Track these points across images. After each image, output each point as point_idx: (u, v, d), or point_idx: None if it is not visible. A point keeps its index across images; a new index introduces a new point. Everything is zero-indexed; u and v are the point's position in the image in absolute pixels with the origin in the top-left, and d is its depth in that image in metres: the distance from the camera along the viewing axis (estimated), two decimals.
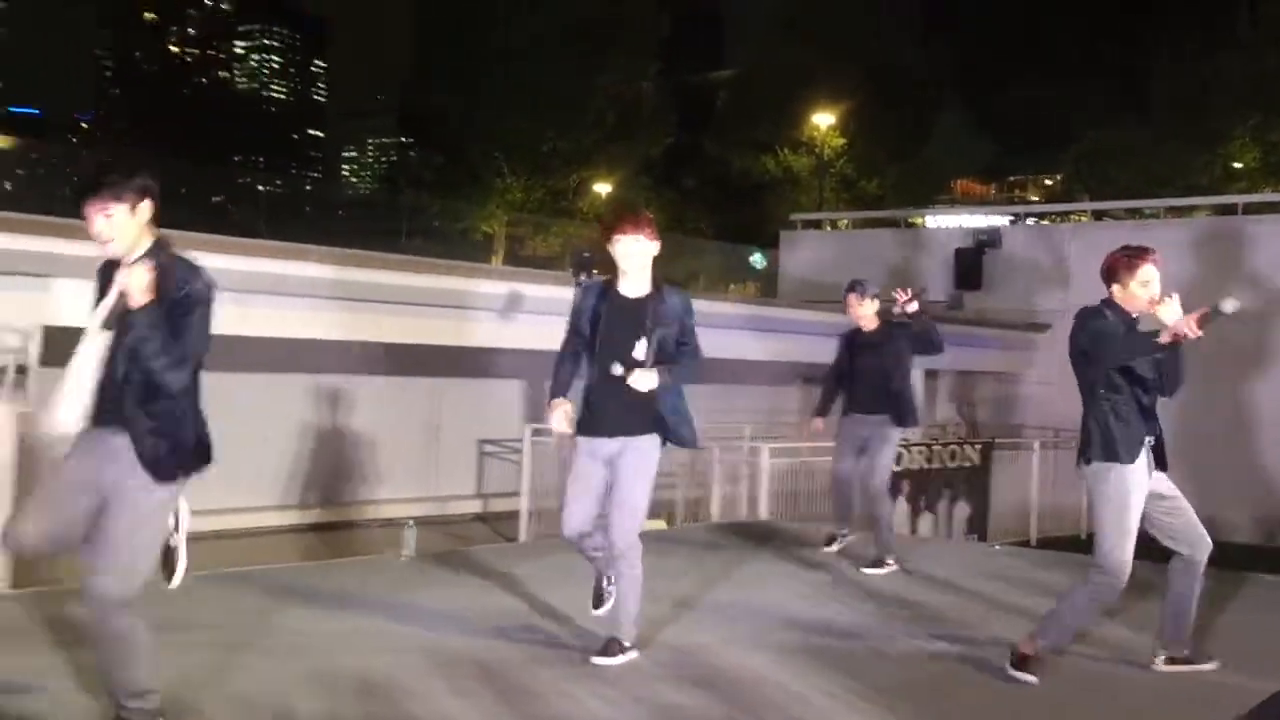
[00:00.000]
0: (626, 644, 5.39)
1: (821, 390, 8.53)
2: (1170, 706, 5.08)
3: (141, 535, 3.96)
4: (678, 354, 5.38)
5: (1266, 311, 16.17)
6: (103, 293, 4.03)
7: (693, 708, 4.87)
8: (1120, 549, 5.05)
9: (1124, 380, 5.14)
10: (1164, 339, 4.87)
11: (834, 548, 8.34)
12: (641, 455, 5.35)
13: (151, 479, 3.93)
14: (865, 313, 8.10)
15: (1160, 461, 5.25)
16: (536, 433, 12.19)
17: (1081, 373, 5.25)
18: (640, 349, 5.28)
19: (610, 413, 5.31)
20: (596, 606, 5.57)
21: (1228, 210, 21.46)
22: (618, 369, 5.25)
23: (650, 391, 5.26)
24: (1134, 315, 5.15)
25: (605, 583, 5.54)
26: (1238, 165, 30.32)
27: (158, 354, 3.88)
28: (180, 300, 3.94)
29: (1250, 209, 20.56)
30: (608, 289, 5.43)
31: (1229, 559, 6.43)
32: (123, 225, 3.98)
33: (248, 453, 12.32)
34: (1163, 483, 5.26)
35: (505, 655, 5.46)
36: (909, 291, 8.00)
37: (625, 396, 5.25)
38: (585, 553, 5.53)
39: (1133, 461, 5.10)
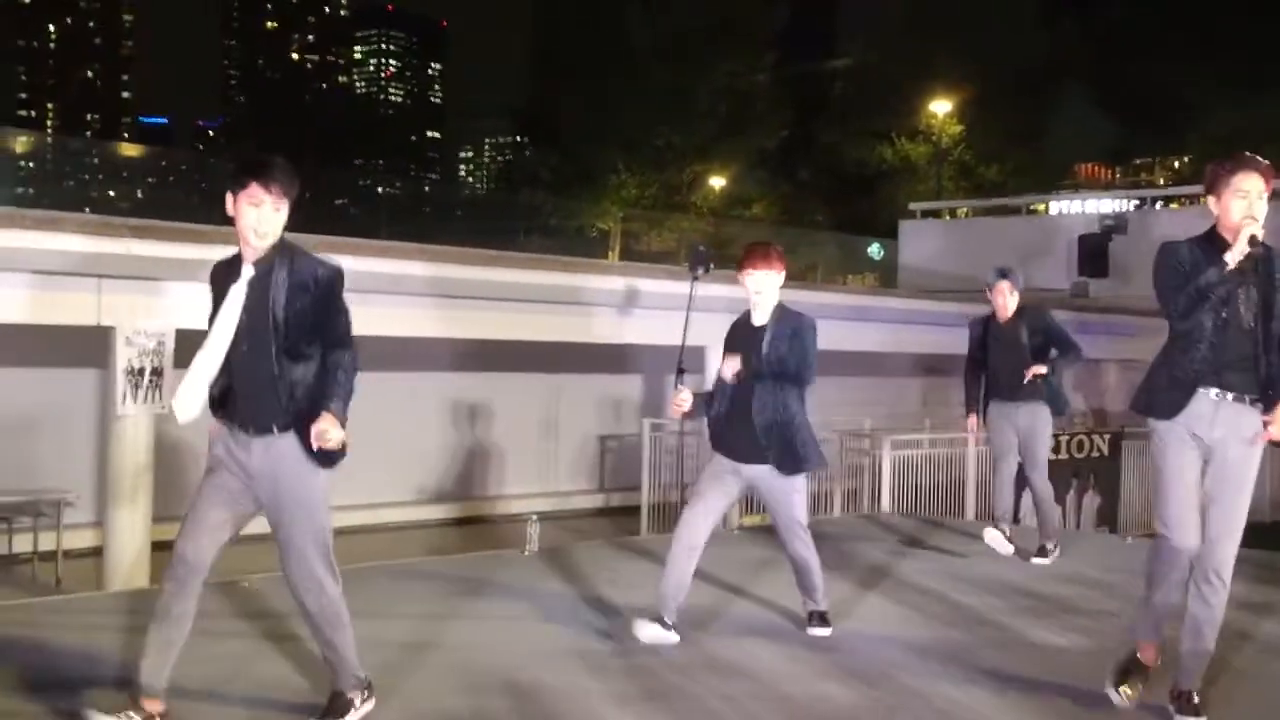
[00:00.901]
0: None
1: (966, 383, 8.10)
2: None
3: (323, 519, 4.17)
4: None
5: None
6: (222, 294, 4.07)
7: (838, 700, 4.87)
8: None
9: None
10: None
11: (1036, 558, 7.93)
12: None
13: (319, 466, 4.07)
14: (1014, 303, 7.92)
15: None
16: (655, 427, 12.23)
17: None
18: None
19: None
20: None
21: None
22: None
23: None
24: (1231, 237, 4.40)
25: None
26: None
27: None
28: (323, 293, 4.05)
29: None
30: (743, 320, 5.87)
31: None
32: (279, 224, 4.06)
33: (376, 450, 12.65)
34: None
35: (641, 653, 5.47)
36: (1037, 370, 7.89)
37: None
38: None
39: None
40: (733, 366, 5.63)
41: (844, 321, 14.71)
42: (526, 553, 7.80)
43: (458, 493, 13.49)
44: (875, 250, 35.57)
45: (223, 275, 4.11)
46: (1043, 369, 7.79)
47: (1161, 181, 49.01)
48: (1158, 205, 24.56)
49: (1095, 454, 13.54)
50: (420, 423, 13.15)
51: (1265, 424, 4.45)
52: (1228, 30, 40.18)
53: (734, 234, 35.37)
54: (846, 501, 12.61)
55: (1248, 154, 4.55)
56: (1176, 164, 46.74)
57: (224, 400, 4.09)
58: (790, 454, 5.63)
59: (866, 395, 16.96)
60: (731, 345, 5.73)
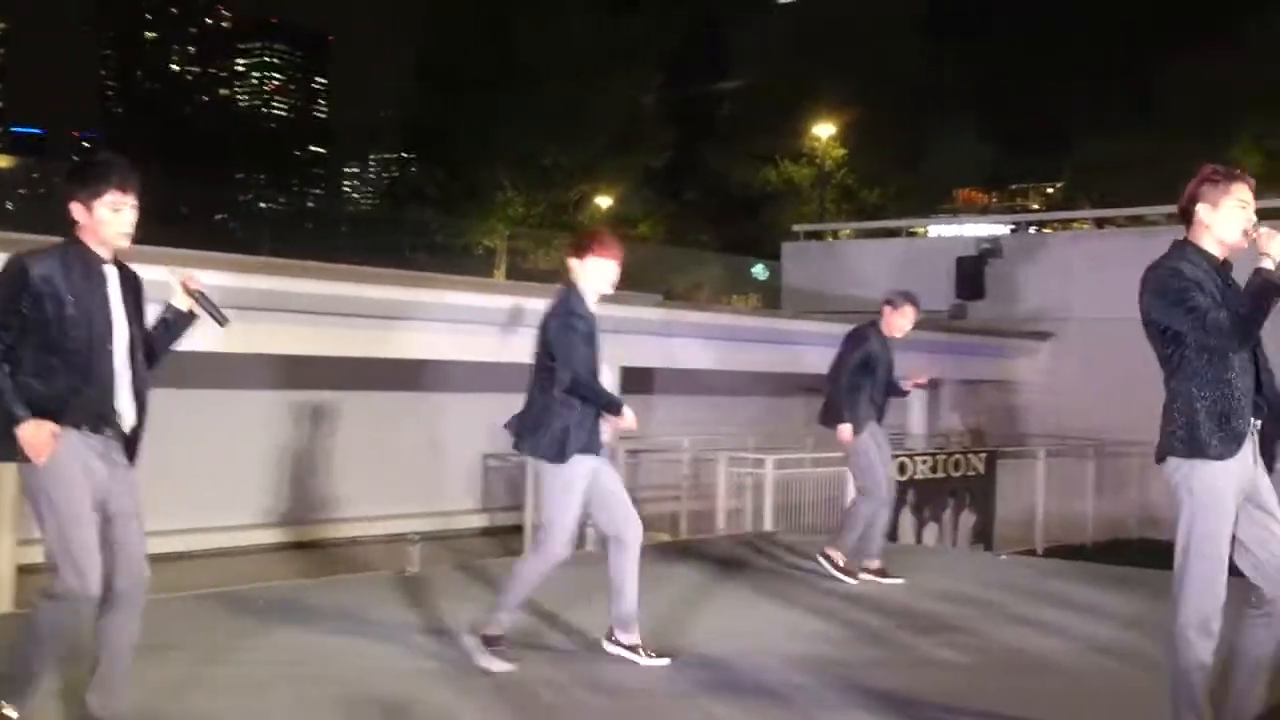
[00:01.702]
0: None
1: (852, 396, 7.85)
2: None
3: None
4: None
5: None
6: (68, 293, 3.96)
7: (719, 717, 4.87)
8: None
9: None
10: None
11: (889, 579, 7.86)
12: None
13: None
14: (908, 328, 8.01)
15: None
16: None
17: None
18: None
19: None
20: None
21: None
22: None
23: None
24: (1222, 254, 4.26)
25: None
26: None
27: None
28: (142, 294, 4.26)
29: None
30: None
31: None
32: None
33: (244, 470, 12.41)
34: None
35: (522, 670, 5.41)
36: (924, 379, 7.99)
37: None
38: None
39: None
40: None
41: (728, 342, 14.85)
42: (407, 573, 7.70)
43: (337, 514, 13.27)
44: (759, 271, 35.89)
45: (62, 274, 3.96)
46: (924, 380, 7.92)
47: (1036, 206, 50.38)
48: (1032, 230, 25.17)
49: (971, 473, 13.80)
50: (296, 442, 12.94)
51: None
52: (1102, 62, 41.53)
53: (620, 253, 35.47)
54: (730, 521, 12.68)
55: (1225, 166, 4.38)
56: (1050, 190, 48.02)
57: (73, 402, 3.98)
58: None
59: (750, 415, 17.12)
60: (591, 343, 5.53)
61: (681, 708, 5.01)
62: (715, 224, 44.28)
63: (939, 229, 27.03)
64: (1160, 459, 4.29)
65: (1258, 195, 4.37)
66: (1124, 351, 18.98)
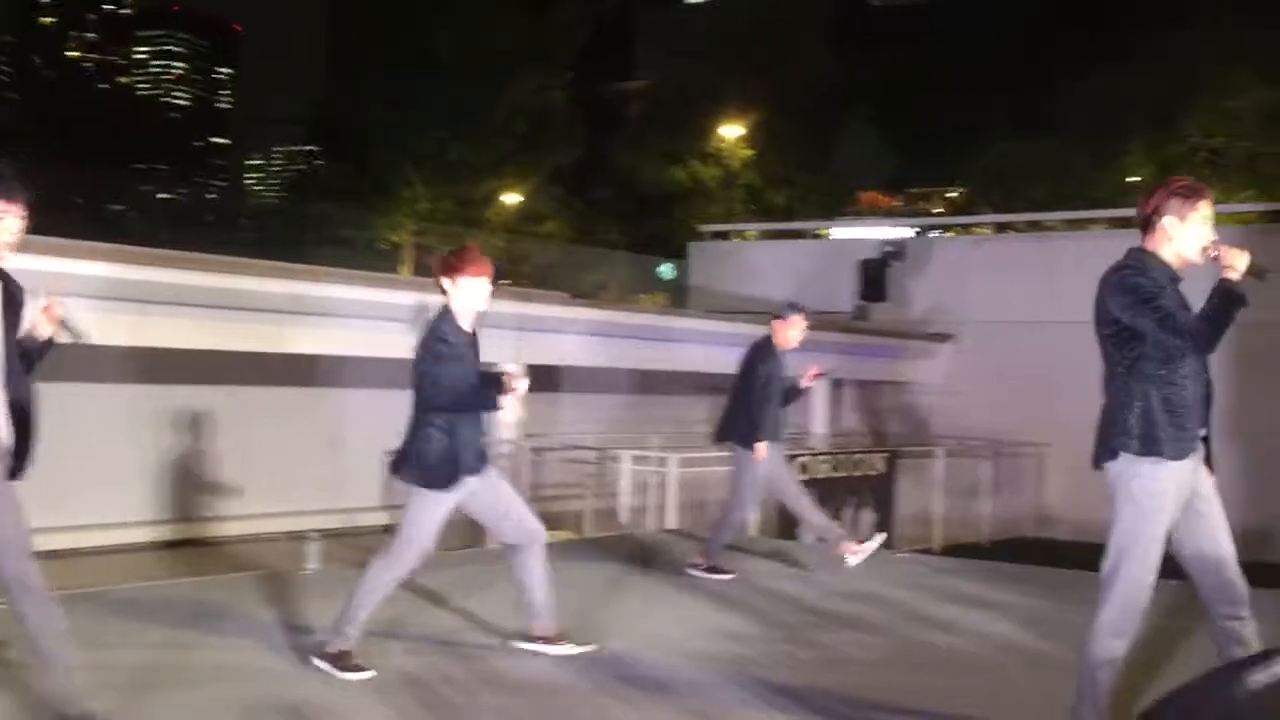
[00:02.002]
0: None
1: (760, 409, 7.85)
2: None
3: None
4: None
5: None
6: None
7: (618, 714, 4.89)
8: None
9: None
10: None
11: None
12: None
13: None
14: (799, 338, 8.07)
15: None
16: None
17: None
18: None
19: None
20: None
21: (1124, 223, 21.97)
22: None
23: None
24: (1177, 266, 4.34)
25: None
26: (1134, 179, 31.07)
27: None
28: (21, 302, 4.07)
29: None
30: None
31: None
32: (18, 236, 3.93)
33: (141, 466, 12.16)
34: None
35: (426, 668, 5.38)
36: (816, 371, 8.06)
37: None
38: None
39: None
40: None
41: (634, 340, 14.88)
42: (305, 572, 7.60)
43: (237, 511, 13.05)
44: (666, 270, 35.98)
45: None
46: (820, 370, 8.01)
47: (939, 210, 51.13)
48: (935, 233, 25.57)
49: (871, 472, 13.98)
50: (196, 437, 12.71)
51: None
52: (1004, 72, 42.33)
53: (527, 251, 35.39)
54: (633, 517, 12.70)
55: (1193, 179, 4.42)
56: (953, 194, 48.78)
57: None
58: None
59: (654, 413, 17.17)
60: (468, 358, 5.43)
61: (584, 704, 5.02)
62: (623, 223, 44.31)
63: (843, 231, 27.33)
64: (1105, 459, 4.33)
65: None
66: (1022, 354, 19.51)
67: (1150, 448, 4.21)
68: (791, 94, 37.99)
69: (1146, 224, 4.38)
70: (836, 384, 18.27)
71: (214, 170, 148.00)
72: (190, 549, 12.22)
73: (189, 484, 12.65)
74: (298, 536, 9.24)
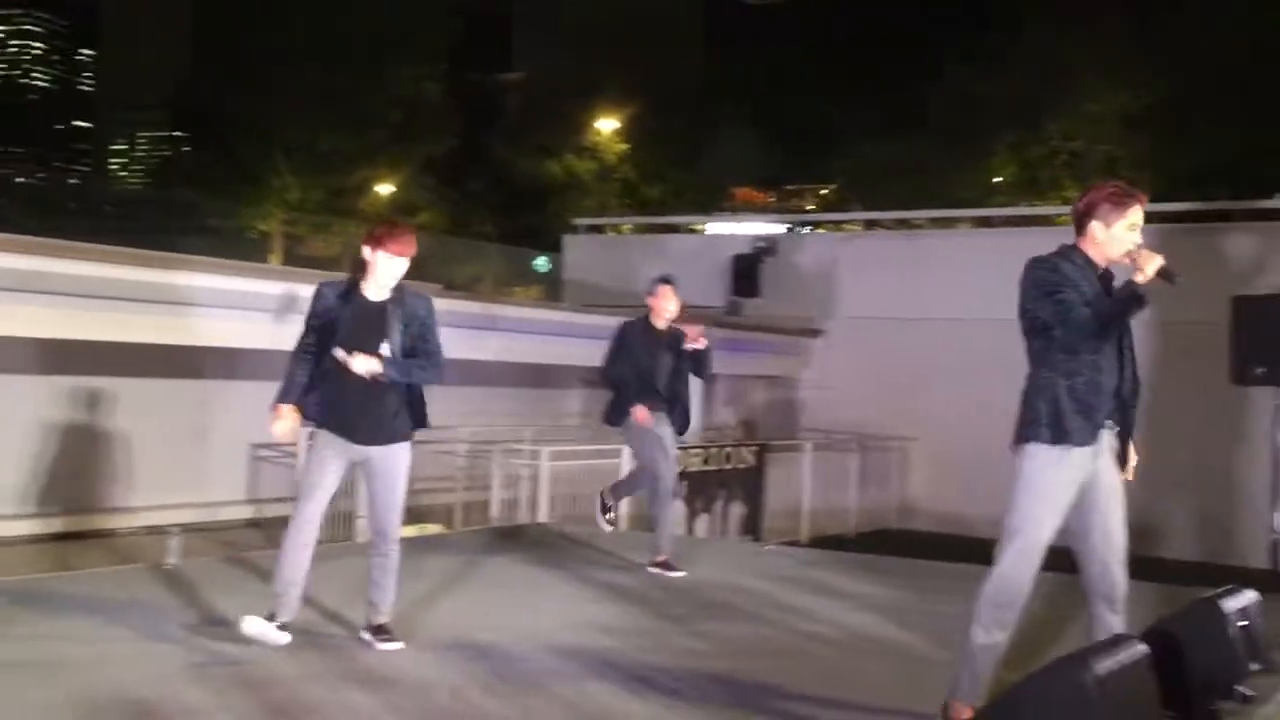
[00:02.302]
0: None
1: (630, 384, 7.92)
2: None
3: None
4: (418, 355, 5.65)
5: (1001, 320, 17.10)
6: None
7: (487, 708, 4.88)
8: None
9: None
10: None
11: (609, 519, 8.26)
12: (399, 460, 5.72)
13: None
14: (673, 309, 8.08)
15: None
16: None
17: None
18: (384, 350, 5.52)
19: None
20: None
21: (988, 222, 22.55)
22: (339, 354, 5.45)
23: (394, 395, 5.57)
24: (1102, 265, 4.56)
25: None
26: (998, 180, 31.88)
27: None
28: None
29: (1009, 221, 21.66)
30: (350, 291, 5.56)
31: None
32: None
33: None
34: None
35: (283, 665, 5.31)
36: (698, 331, 8.10)
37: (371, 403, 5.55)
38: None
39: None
40: (368, 364, 5.48)
41: (508, 333, 14.84)
42: (165, 566, 7.44)
43: (96, 504, 12.71)
44: (541, 263, 35.90)
45: None
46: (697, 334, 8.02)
47: (811, 207, 51.88)
48: (806, 229, 25.93)
49: (742, 465, 14.14)
50: (54, 429, 12.34)
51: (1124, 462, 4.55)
52: (874, 72, 43.10)
53: None
54: (504, 511, 12.67)
55: (1126, 184, 4.60)
56: (824, 191, 49.53)
57: None
58: (417, 414, 5.72)
59: (527, 406, 17.14)
60: (351, 323, 5.51)
61: (455, 699, 4.99)
62: (498, 215, 44.09)
63: (717, 226, 27.56)
64: (1019, 444, 4.47)
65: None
66: (888, 349, 19.89)
67: (1057, 435, 4.38)
68: (667, 90, 38.18)
69: (1079, 223, 4.58)
70: (709, 378, 18.42)
71: (76, 155, 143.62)
72: (49, 544, 11.86)
73: (46, 478, 12.28)
74: (158, 531, 9.05)
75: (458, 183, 41.97)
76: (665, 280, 8.08)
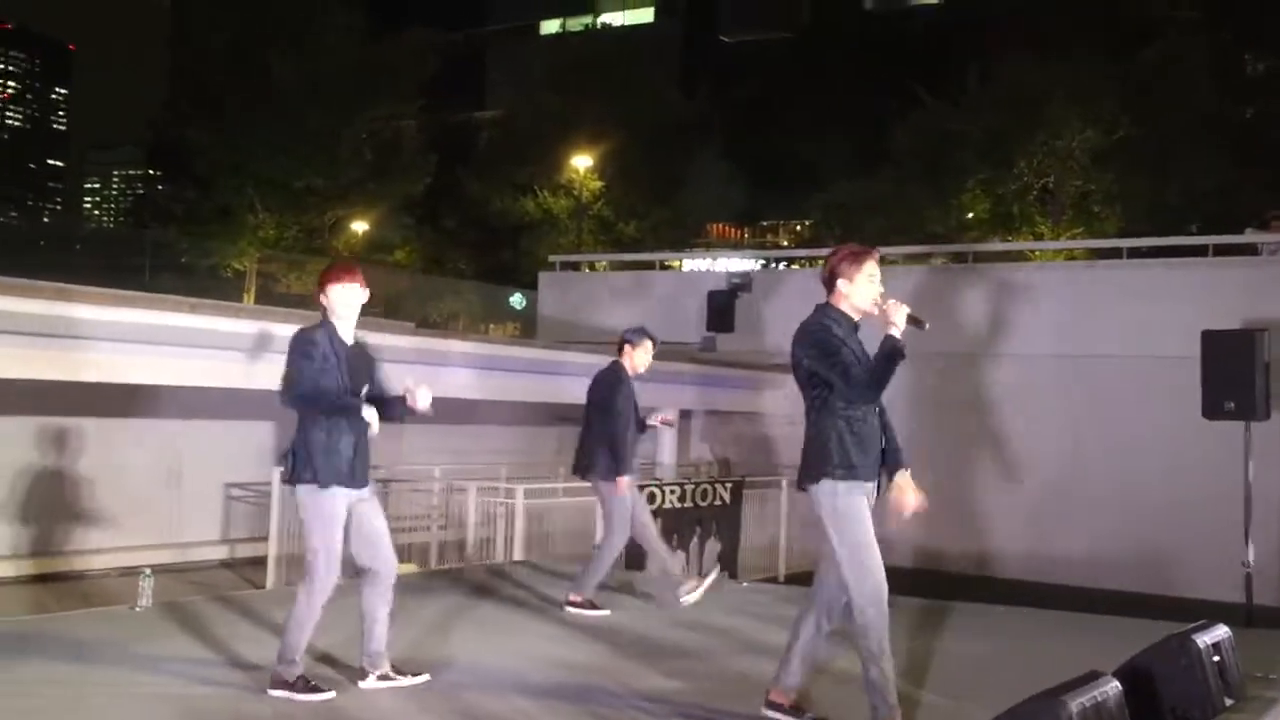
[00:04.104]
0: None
1: (620, 441, 7.79)
2: None
3: None
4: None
5: (978, 354, 17.22)
6: None
7: None
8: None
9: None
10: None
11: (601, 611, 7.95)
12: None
13: None
14: (648, 362, 8.09)
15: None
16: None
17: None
18: (364, 392, 5.58)
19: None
20: None
21: (961, 258, 22.67)
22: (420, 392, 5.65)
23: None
24: (856, 318, 5.10)
25: None
26: (970, 215, 32.08)
27: None
28: None
29: (980, 257, 21.80)
30: (331, 336, 5.56)
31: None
32: None
33: None
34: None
35: (259, 706, 5.26)
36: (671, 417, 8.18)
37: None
38: None
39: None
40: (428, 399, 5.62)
41: (483, 370, 14.79)
42: (137, 609, 7.36)
43: (66, 546, 12.58)
44: (517, 300, 35.97)
45: None
46: (672, 417, 8.02)
47: (785, 243, 52.14)
48: (781, 265, 26.03)
49: (718, 502, 14.10)
50: (22, 471, 12.23)
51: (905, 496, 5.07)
52: (846, 109, 43.46)
53: (376, 279, 34.84)
54: (480, 550, 12.61)
55: (859, 245, 5.18)
56: (799, 227, 49.78)
57: None
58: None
59: (503, 444, 17.09)
60: (347, 366, 5.53)
61: None
62: (473, 252, 44.16)
63: (692, 263, 27.64)
64: (809, 483, 4.98)
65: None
66: None
67: (849, 472, 4.90)
68: (642, 128, 38.35)
69: (828, 285, 5.14)
70: (684, 414, 18.41)
71: (49, 193, 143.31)
72: (23, 586, 11.73)
73: (18, 519, 12.16)
74: (131, 572, 8.95)
75: (433, 220, 42.05)
76: (649, 335, 8.06)
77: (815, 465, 4.95)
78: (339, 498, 5.45)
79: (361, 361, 5.60)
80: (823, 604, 5.15)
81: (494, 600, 8.30)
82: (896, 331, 4.87)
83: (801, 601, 8.65)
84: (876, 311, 4.98)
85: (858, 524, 4.88)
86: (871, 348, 5.01)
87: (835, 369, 4.89)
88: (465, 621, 7.53)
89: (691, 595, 7.95)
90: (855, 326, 5.08)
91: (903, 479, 5.08)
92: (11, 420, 12.06)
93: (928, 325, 4.95)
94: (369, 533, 5.56)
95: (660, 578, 8.49)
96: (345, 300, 5.53)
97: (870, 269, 5.06)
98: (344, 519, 5.48)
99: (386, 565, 5.58)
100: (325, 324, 5.54)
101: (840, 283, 5.07)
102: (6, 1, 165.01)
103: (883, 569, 4.90)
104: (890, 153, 33.78)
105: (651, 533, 8.23)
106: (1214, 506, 15.66)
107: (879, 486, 5.07)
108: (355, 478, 5.50)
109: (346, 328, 5.58)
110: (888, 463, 5.08)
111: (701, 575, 8.20)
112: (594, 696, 5.67)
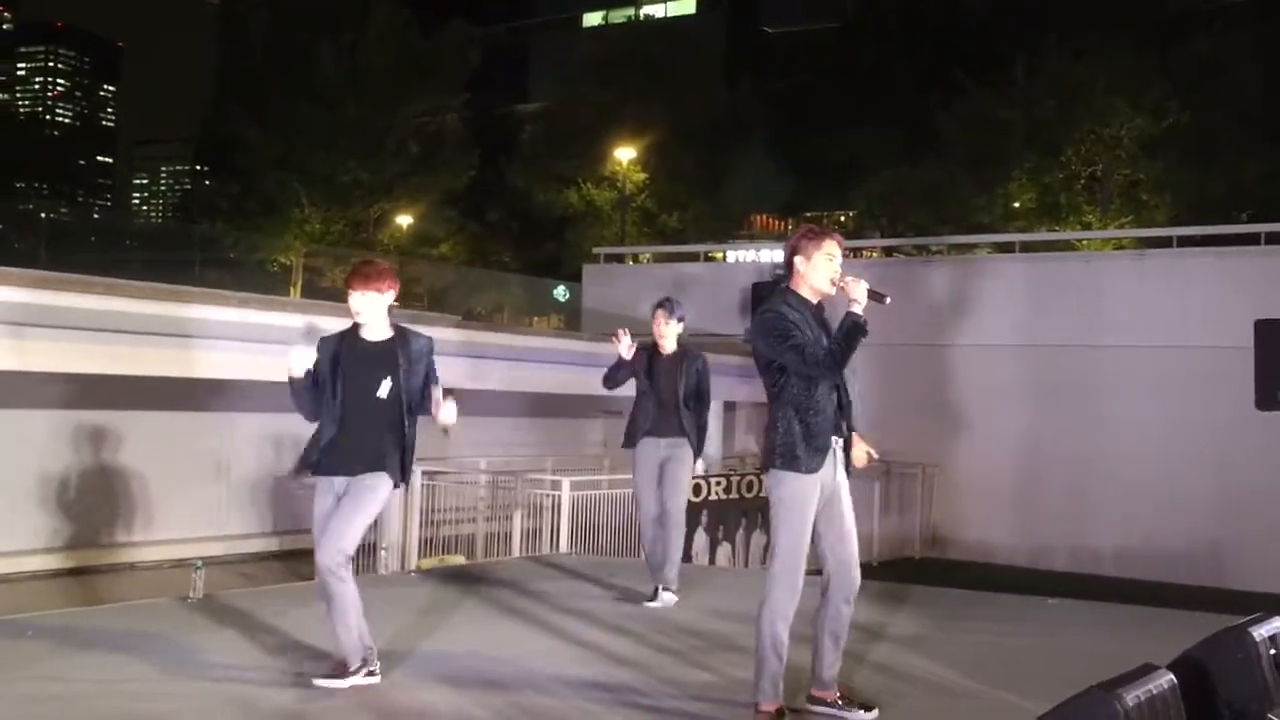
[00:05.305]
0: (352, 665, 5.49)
1: (639, 414, 7.98)
2: None
3: None
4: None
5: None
6: None
7: None
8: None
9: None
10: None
11: (657, 603, 7.82)
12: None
13: None
14: (669, 333, 8.10)
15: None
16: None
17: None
18: (384, 388, 5.58)
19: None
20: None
21: (1007, 248, 22.48)
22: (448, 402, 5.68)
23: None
24: (815, 300, 5.11)
25: None
26: (1016, 205, 31.82)
27: None
28: None
29: (1027, 247, 21.60)
30: (349, 333, 5.68)
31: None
32: None
33: (19, 493, 11.82)
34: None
35: (305, 698, 5.30)
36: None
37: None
38: None
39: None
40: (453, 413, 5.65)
41: (529, 363, 14.85)
42: (189, 600, 7.43)
43: (120, 539, 12.73)
44: (561, 293, 36.04)
45: None
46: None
47: None
48: None
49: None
50: (78, 464, 12.37)
51: (854, 453, 5.16)
52: (891, 99, 43.19)
53: (420, 273, 35.13)
54: (526, 542, 12.65)
55: (819, 226, 5.25)
56: (843, 218, 49.52)
57: None
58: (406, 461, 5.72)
59: (548, 436, 17.14)
60: (349, 363, 5.60)
61: None
62: (517, 245, 44.28)
63: (736, 254, 27.57)
64: (764, 470, 5.07)
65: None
66: (909, 375, 19.79)
67: (791, 464, 4.90)
68: (685, 119, 38.31)
69: (788, 266, 5.17)
70: (729, 406, 18.39)
71: (99, 189, 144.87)
72: (73, 578, 11.88)
73: (71, 512, 12.31)
74: (182, 565, 9.06)
75: (477, 214, 42.16)
76: (660, 305, 8.11)
77: (765, 453, 5.04)
78: (321, 484, 5.64)
79: (385, 358, 5.60)
80: (834, 592, 5.10)
81: (540, 592, 8.31)
82: (858, 308, 4.91)
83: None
84: (834, 291, 5.05)
85: (795, 514, 4.91)
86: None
87: (790, 350, 4.90)
88: (511, 613, 7.54)
89: (654, 603, 7.85)
90: (818, 309, 5.10)
91: (855, 441, 5.18)
92: (60, 414, 12.19)
93: (889, 299, 5.01)
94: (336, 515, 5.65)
95: (682, 564, 8.37)
96: (354, 306, 5.59)
97: (830, 248, 5.10)
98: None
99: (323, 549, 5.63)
100: (352, 326, 5.67)
101: (798, 260, 5.11)
102: (57, 0, 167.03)
103: (804, 571, 4.95)
104: (935, 142, 33.58)
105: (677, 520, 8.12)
106: (1267, 498, 15.49)
107: (846, 463, 5.13)
108: (323, 468, 5.62)
109: (370, 329, 5.64)
110: (843, 433, 5.11)
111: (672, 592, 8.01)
112: (635, 689, 5.66)
